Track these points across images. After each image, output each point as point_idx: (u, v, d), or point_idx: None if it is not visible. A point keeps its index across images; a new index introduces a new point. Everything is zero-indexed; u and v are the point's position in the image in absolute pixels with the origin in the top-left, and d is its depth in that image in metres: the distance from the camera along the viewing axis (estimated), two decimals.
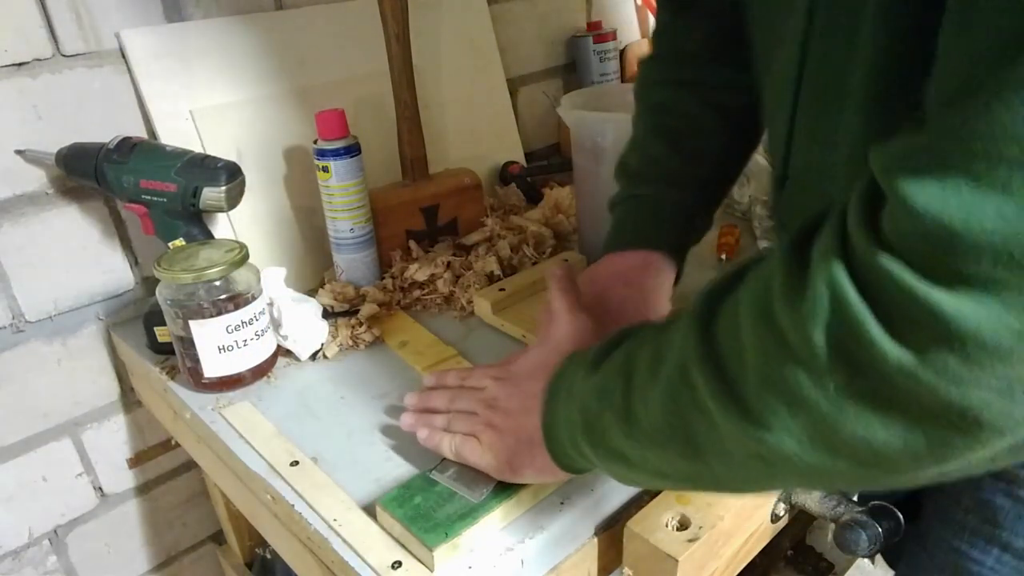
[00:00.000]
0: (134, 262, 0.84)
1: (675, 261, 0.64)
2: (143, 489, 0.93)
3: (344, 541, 0.51)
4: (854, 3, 0.39)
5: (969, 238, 0.24)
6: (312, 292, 0.81)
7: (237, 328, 0.66)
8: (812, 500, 0.55)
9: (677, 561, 0.47)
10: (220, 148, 0.79)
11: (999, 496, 0.49)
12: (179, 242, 0.71)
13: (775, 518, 0.56)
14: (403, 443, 0.60)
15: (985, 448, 0.28)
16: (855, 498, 0.53)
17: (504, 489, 0.51)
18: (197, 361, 0.66)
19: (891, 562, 0.68)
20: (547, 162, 1.14)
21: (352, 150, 0.77)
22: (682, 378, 0.36)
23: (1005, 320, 0.25)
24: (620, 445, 0.41)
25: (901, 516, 0.51)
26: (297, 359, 0.72)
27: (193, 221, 0.72)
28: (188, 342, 0.65)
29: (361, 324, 0.76)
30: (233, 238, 0.78)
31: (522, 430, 0.49)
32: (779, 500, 0.56)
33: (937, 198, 0.25)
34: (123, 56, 0.77)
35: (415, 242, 0.89)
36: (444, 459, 0.54)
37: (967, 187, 0.25)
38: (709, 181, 0.66)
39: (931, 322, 0.26)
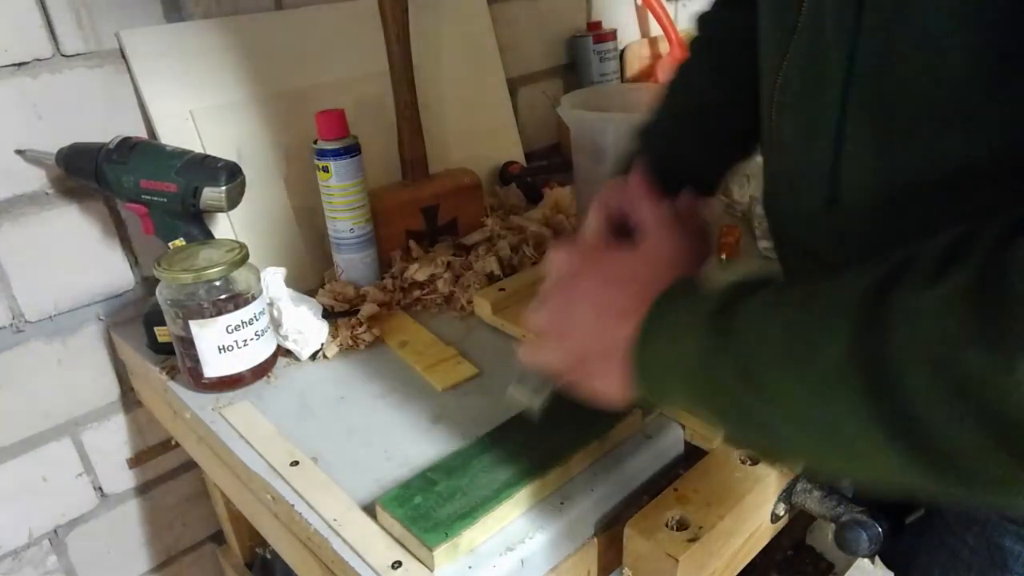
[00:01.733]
0: (134, 262, 0.84)
1: None
2: (143, 489, 0.93)
3: (344, 541, 0.51)
4: None
5: None
6: (312, 292, 0.81)
7: (237, 328, 0.66)
8: (812, 500, 0.55)
9: (677, 561, 0.47)
10: (220, 148, 0.79)
11: (1008, 538, 0.48)
12: (179, 242, 0.72)
13: (775, 518, 0.56)
14: (403, 443, 0.60)
15: None
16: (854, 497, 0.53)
17: (506, 487, 0.51)
18: (197, 361, 0.66)
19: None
20: (547, 162, 1.14)
21: (352, 150, 0.77)
22: (837, 379, 0.31)
23: None
24: (732, 405, 0.37)
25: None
26: (297, 359, 0.72)
27: (193, 221, 0.72)
28: (188, 342, 0.65)
29: (361, 324, 0.76)
30: (233, 238, 0.78)
31: (605, 339, 0.44)
32: (779, 500, 0.56)
33: None
34: (123, 56, 0.77)
35: (415, 242, 0.89)
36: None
37: None
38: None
39: None
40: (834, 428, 0.32)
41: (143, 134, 0.80)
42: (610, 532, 0.53)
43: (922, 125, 0.38)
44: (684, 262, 0.48)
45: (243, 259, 0.66)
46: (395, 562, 0.48)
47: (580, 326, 0.46)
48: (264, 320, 0.68)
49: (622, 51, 1.30)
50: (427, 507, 0.50)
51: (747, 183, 0.98)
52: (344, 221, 0.80)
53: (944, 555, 0.51)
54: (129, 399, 0.87)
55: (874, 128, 0.40)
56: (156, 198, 0.70)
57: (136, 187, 0.69)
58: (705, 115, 0.61)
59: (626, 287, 0.45)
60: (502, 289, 0.78)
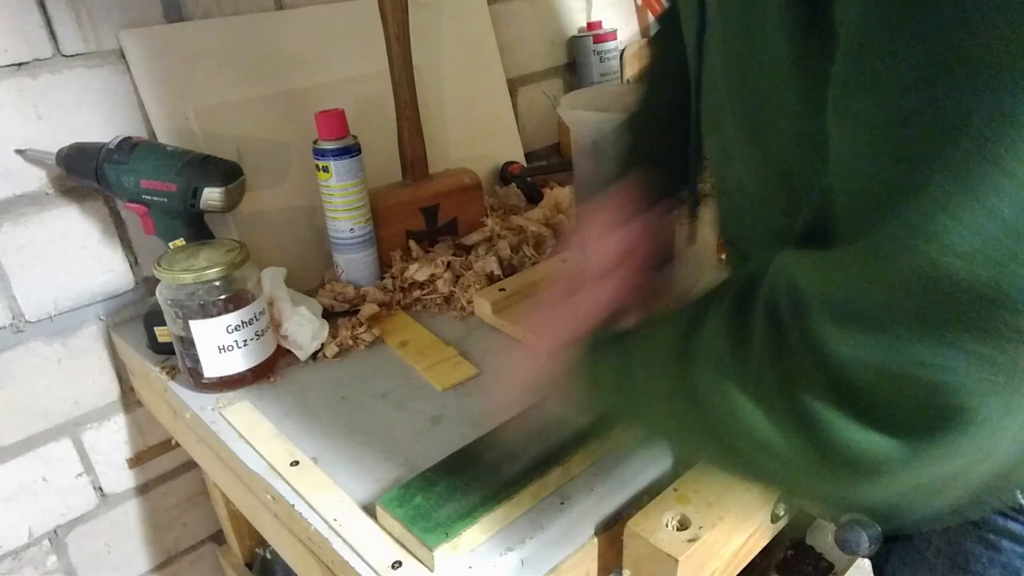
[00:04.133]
0: (134, 262, 0.84)
1: None
2: (143, 489, 0.93)
3: (344, 541, 0.51)
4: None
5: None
6: (312, 292, 0.81)
7: (237, 328, 0.66)
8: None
9: (677, 561, 0.47)
10: (220, 148, 0.79)
11: (969, 541, 0.48)
12: (179, 242, 0.72)
13: (775, 518, 0.56)
14: (403, 443, 0.60)
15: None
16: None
17: (506, 487, 0.51)
18: (197, 361, 0.66)
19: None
20: (547, 162, 1.14)
21: (352, 150, 0.77)
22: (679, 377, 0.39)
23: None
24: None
25: None
26: (297, 359, 0.72)
27: (193, 221, 0.72)
28: (188, 342, 0.65)
29: (361, 324, 0.76)
30: (233, 238, 0.78)
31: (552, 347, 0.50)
32: (779, 500, 0.56)
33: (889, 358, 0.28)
34: (123, 56, 0.77)
35: (415, 242, 0.89)
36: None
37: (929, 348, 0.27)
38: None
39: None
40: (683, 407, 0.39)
41: (143, 134, 0.80)
42: (610, 532, 0.53)
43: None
44: (622, 305, 0.52)
45: (243, 259, 0.66)
46: (395, 562, 0.48)
47: (538, 330, 0.52)
48: (264, 320, 0.68)
49: (622, 51, 1.30)
50: (427, 507, 0.50)
51: None
52: (344, 221, 0.80)
53: (912, 555, 0.52)
54: (129, 399, 0.87)
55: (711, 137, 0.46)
56: (156, 198, 0.70)
57: (136, 187, 0.69)
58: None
59: (565, 320, 0.50)
60: (502, 289, 0.78)
